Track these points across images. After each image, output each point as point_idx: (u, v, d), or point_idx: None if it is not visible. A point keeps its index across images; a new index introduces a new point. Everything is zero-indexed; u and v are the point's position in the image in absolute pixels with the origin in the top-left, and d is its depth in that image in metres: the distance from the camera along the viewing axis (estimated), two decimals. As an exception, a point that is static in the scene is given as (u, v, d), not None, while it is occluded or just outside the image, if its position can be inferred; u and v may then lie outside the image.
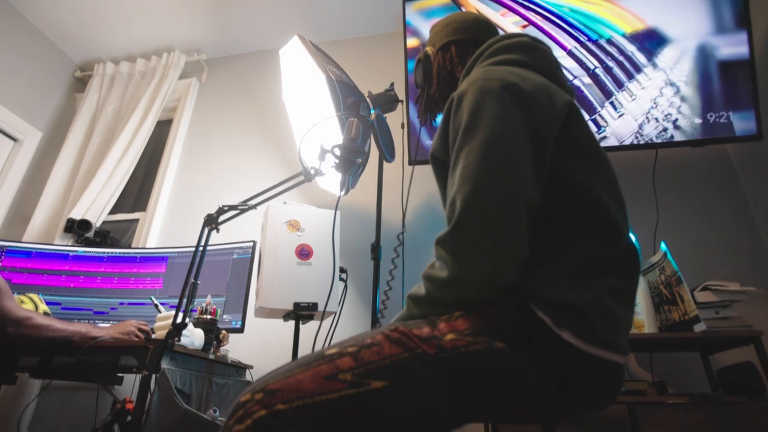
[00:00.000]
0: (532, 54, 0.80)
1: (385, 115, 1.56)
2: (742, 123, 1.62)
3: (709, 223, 1.77)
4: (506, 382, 0.60)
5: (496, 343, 0.60)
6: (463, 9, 1.96)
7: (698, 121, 1.66)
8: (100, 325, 1.57)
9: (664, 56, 1.72)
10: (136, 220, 2.44)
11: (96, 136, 2.49)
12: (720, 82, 1.66)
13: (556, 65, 0.83)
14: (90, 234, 2.18)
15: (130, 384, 1.82)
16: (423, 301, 0.68)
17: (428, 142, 1.89)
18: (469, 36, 0.92)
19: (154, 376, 1.18)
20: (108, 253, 1.87)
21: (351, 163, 1.26)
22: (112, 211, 2.38)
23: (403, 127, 1.82)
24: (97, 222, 2.24)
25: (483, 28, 0.94)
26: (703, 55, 1.69)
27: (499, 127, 0.65)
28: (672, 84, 1.70)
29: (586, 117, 1.71)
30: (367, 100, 1.64)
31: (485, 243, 0.61)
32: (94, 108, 2.62)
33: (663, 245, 1.41)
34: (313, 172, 1.34)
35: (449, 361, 0.58)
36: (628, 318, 0.68)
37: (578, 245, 0.66)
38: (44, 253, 1.83)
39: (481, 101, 0.68)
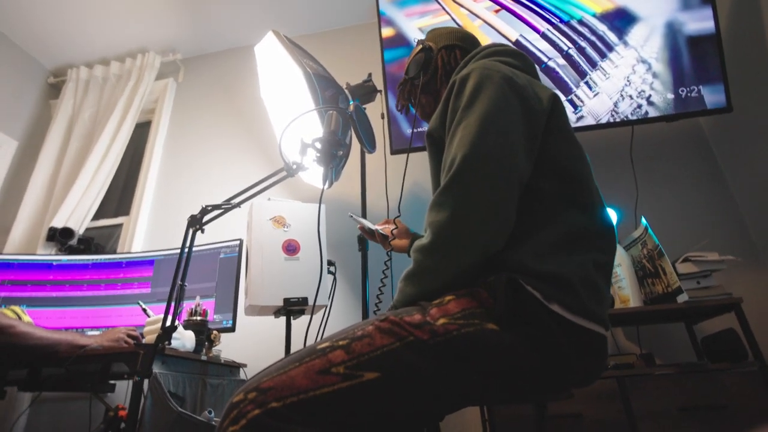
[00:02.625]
0: (519, 59, 0.88)
1: (364, 106, 1.56)
2: (712, 96, 1.66)
3: (687, 195, 1.81)
4: (500, 362, 0.61)
5: (488, 324, 0.61)
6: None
7: (671, 96, 1.68)
8: (89, 333, 1.55)
9: (635, 34, 1.74)
10: (120, 225, 2.40)
11: (74, 141, 2.45)
12: (689, 57, 1.69)
13: (536, 70, 0.93)
14: (73, 242, 2.14)
15: (122, 391, 1.80)
16: (413, 274, 0.69)
17: (408, 131, 1.89)
18: (469, 48, 1.00)
19: (146, 381, 1.17)
20: (93, 259, 1.84)
21: (332, 156, 1.25)
22: (95, 217, 2.34)
23: (383, 118, 1.82)
24: (79, 229, 2.20)
25: (477, 44, 1.03)
26: (672, 31, 1.72)
27: (496, 106, 0.70)
28: (644, 61, 1.72)
29: (563, 98, 1.73)
30: (346, 91, 1.64)
31: (476, 200, 0.64)
32: (70, 114, 2.57)
33: (643, 220, 1.44)
34: (295, 167, 1.33)
35: (443, 346, 0.59)
36: (608, 293, 0.71)
37: (564, 217, 0.69)
38: (27, 264, 1.79)
39: (482, 84, 0.73)
